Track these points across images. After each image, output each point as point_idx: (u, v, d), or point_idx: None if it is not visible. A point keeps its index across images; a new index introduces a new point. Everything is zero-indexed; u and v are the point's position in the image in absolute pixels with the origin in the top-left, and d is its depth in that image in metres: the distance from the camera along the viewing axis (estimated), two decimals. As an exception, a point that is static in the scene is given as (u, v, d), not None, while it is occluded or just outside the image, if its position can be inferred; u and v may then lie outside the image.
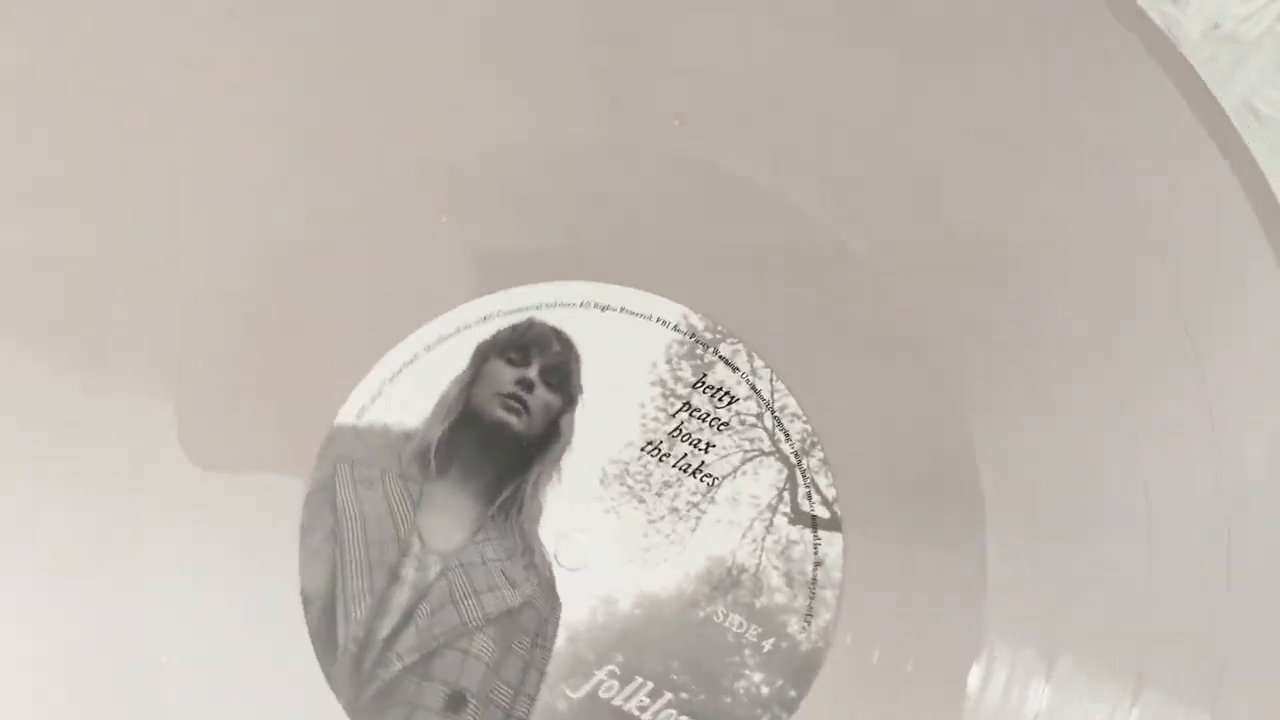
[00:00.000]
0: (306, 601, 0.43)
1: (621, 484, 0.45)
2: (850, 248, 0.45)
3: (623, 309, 0.45)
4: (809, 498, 0.45)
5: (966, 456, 0.44)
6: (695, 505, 0.45)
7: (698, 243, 0.46)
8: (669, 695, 0.44)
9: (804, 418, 0.45)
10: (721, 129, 0.46)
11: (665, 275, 0.46)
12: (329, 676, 0.42)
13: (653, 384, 0.45)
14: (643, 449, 0.45)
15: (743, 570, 0.45)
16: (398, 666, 0.43)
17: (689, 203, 0.46)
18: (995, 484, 0.44)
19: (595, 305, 0.45)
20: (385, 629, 0.43)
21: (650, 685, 0.44)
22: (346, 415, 0.44)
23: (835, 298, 0.46)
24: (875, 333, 0.45)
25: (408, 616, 0.43)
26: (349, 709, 0.42)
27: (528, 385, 0.45)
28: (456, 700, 0.43)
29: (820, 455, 0.45)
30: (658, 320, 0.46)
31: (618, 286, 0.45)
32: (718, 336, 0.46)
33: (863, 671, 0.44)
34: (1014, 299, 0.45)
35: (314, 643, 0.42)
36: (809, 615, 0.44)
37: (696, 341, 0.46)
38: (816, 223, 0.46)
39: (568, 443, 0.45)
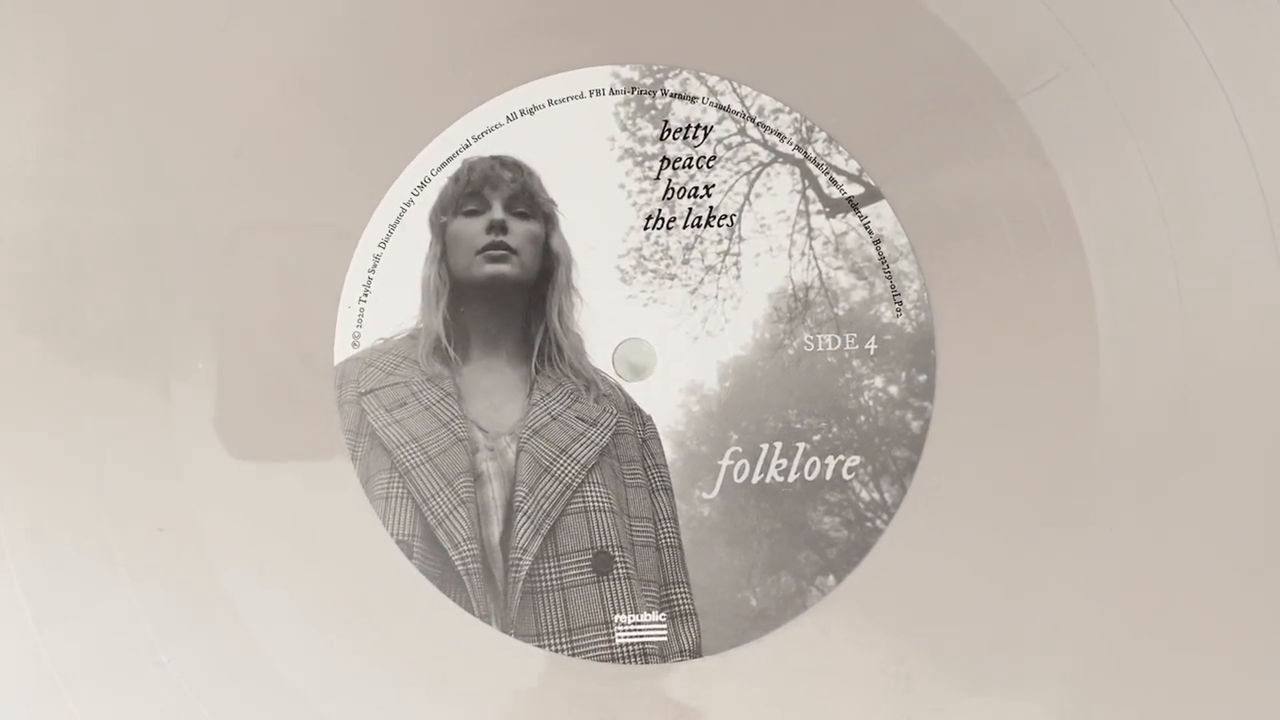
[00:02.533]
0: (405, 547, 0.39)
1: (643, 271, 0.40)
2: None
3: (549, 101, 0.41)
4: (833, 183, 0.41)
5: (974, 61, 0.40)
6: (726, 252, 0.41)
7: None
8: (803, 445, 0.40)
9: (787, 108, 0.41)
10: None
11: (574, 43, 0.41)
12: (468, 607, 0.39)
13: (620, 158, 0.41)
14: (646, 227, 0.41)
15: (808, 288, 0.40)
16: (527, 561, 0.39)
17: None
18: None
19: (520, 112, 0.41)
20: (495, 532, 0.39)
21: (779, 445, 0.40)
22: (342, 348, 0.40)
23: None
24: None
25: (510, 508, 0.39)
26: (505, 628, 0.39)
27: (500, 227, 0.40)
28: (602, 560, 0.39)
29: (823, 135, 0.41)
30: (590, 93, 0.41)
31: (533, 82, 0.41)
32: (659, 76, 0.41)
33: (973, 308, 0.40)
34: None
35: (434, 583, 0.39)
36: (897, 295, 0.40)
37: (639, 93, 0.41)
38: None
39: (570, 261, 0.40)
